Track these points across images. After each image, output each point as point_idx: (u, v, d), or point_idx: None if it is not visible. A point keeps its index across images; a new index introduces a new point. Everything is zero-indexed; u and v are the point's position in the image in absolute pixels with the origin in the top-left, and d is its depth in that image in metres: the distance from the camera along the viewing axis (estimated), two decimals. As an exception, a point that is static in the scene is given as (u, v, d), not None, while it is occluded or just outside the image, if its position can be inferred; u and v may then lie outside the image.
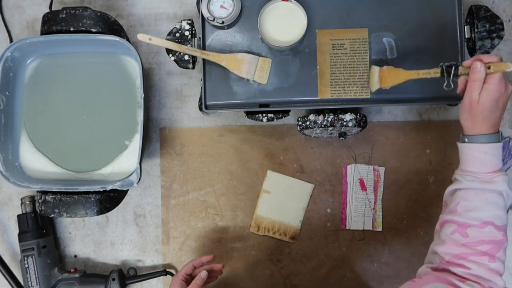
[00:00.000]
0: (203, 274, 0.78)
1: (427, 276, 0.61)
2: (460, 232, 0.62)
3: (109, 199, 0.85)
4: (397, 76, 0.72)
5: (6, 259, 0.92)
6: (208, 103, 0.82)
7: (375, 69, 0.75)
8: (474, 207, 0.62)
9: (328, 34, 0.80)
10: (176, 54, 0.81)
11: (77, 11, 0.83)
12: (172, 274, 0.92)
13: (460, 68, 0.66)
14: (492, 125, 0.64)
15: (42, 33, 0.85)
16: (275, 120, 0.84)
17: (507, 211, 0.90)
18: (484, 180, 0.63)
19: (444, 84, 0.67)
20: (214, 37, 0.82)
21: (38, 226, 0.89)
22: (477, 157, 0.63)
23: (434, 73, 0.68)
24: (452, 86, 0.67)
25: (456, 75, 0.66)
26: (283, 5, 0.79)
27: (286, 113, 0.84)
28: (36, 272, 0.87)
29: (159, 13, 0.96)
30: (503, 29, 0.78)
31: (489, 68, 0.62)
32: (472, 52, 0.81)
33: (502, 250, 0.61)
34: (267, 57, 0.80)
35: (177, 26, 0.81)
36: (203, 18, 0.80)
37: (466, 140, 0.65)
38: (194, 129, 0.94)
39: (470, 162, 0.64)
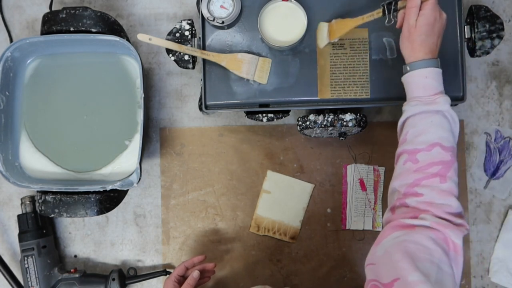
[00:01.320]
0: (195, 274, 0.78)
1: (383, 231, 0.61)
2: (411, 159, 0.63)
3: (109, 199, 0.85)
4: (344, 26, 0.75)
5: (6, 259, 0.92)
6: (208, 103, 0.82)
7: (324, 24, 0.77)
8: (420, 131, 0.63)
9: (328, 34, 0.80)
10: (176, 54, 0.81)
11: (77, 11, 0.83)
12: (172, 274, 0.92)
13: (399, 2, 0.69)
14: (430, 50, 0.66)
15: (42, 33, 0.85)
16: (275, 120, 0.84)
17: (507, 211, 0.91)
18: (426, 101, 0.64)
19: (386, 21, 0.70)
20: (214, 37, 0.82)
21: (38, 226, 0.89)
22: (419, 83, 0.66)
23: (377, 13, 0.71)
24: (393, 21, 0.70)
25: (396, 10, 0.69)
26: (283, 5, 0.79)
27: (286, 113, 0.84)
28: (36, 272, 0.87)
29: (159, 13, 0.96)
30: (503, 29, 0.78)
31: None
32: (472, 52, 0.81)
33: (453, 170, 0.62)
34: (267, 57, 0.80)
35: (177, 26, 0.81)
36: (203, 18, 0.80)
37: (408, 68, 0.67)
38: (194, 129, 0.94)
39: (413, 89, 0.67)
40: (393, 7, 0.69)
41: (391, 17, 0.70)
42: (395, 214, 0.62)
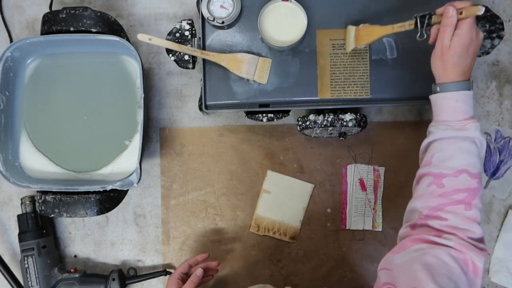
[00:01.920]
0: (198, 271, 0.78)
1: (404, 243, 0.61)
2: (436, 183, 0.62)
3: (109, 199, 0.85)
4: (372, 32, 0.72)
5: (6, 259, 0.92)
6: (208, 103, 0.82)
7: (351, 28, 0.75)
8: (448, 156, 0.62)
9: (328, 34, 0.80)
10: (176, 54, 0.81)
11: (77, 11, 0.83)
12: (172, 274, 0.92)
13: (433, 16, 0.65)
14: (462, 72, 0.64)
15: (42, 33, 0.85)
16: (275, 120, 0.84)
17: (507, 211, 0.91)
18: (456, 127, 0.63)
19: (417, 35, 0.67)
20: (214, 37, 0.82)
21: (38, 226, 0.89)
22: (449, 106, 0.64)
23: (408, 25, 0.68)
24: (425, 36, 0.67)
25: (430, 25, 0.66)
26: (283, 5, 0.79)
27: (286, 113, 0.84)
28: (36, 272, 0.87)
29: (159, 13, 0.96)
30: (503, 29, 0.78)
31: (461, 13, 0.62)
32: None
33: (478, 197, 0.61)
34: (267, 57, 0.80)
35: (177, 26, 0.81)
36: (203, 18, 0.80)
37: (438, 89, 0.65)
38: (194, 129, 0.94)
39: (442, 112, 0.65)
40: (426, 21, 0.66)
41: (424, 31, 0.66)
42: (415, 230, 0.62)
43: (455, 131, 0.62)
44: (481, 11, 0.61)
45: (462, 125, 0.62)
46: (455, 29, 0.63)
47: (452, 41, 0.63)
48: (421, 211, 0.63)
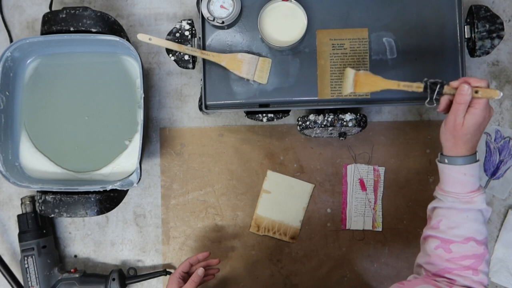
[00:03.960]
0: (199, 271, 0.78)
1: (415, 280, 0.64)
2: (444, 248, 0.64)
3: (109, 199, 0.85)
4: (373, 83, 0.69)
5: (6, 259, 0.92)
6: (208, 103, 0.82)
7: (350, 72, 0.70)
8: (455, 225, 0.64)
9: (328, 34, 0.80)
10: (176, 54, 0.81)
11: (77, 11, 0.83)
12: (172, 274, 0.92)
13: (445, 87, 0.64)
14: (471, 147, 0.65)
15: (42, 33, 0.85)
16: (275, 120, 0.84)
17: (507, 211, 0.91)
18: (464, 200, 0.64)
19: (427, 101, 0.66)
20: (214, 37, 0.82)
21: (38, 226, 0.89)
22: (456, 179, 0.65)
23: (416, 87, 0.66)
24: (435, 104, 0.66)
25: (441, 94, 0.65)
26: (283, 5, 0.79)
27: (286, 113, 0.84)
28: (36, 272, 0.87)
29: (159, 13, 0.96)
30: (503, 29, 0.78)
31: (476, 92, 0.61)
32: (472, 52, 0.81)
33: (484, 262, 0.64)
34: (267, 57, 0.80)
35: (177, 26, 0.81)
36: (203, 18, 0.80)
37: (446, 161, 0.66)
38: (194, 129, 0.94)
39: (450, 183, 0.66)
40: (437, 89, 0.64)
41: (433, 99, 0.65)
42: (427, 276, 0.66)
43: (463, 204, 0.64)
44: (499, 95, 0.60)
45: (470, 198, 0.64)
46: (469, 106, 0.62)
47: (466, 119, 0.62)
48: (429, 269, 0.65)
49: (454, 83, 0.64)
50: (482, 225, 0.65)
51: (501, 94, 0.61)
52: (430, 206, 0.69)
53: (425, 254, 0.67)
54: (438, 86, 0.64)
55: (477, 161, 0.65)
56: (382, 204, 0.92)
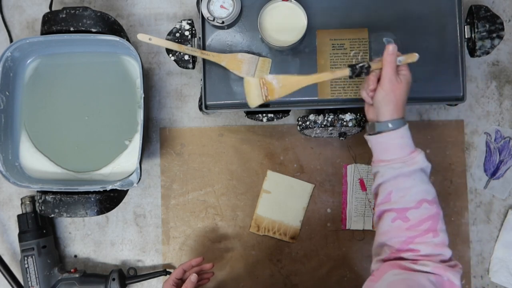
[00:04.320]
0: (193, 277, 0.77)
1: (381, 269, 0.63)
2: (401, 218, 0.64)
3: (109, 199, 0.85)
4: (294, 83, 0.67)
5: (6, 259, 0.92)
6: (208, 103, 0.82)
7: (252, 81, 0.63)
8: (405, 191, 0.64)
9: (328, 34, 0.80)
10: (176, 54, 0.81)
11: (77, 11, 0.83)
12: (172, 274, 0.92)
13: (373, 64, 0.67)
14: (404, 110, 0.67)
15: (42, 33, 0.85)
16: (275, 120, 0.84)
17: (507, 211, 0.91)
18: (409, 162, 0.65)
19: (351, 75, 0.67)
20: (214, 37, 0.82)
21: (38, 226, 0.89)
22: (397, 144, 0.66)
23: (341, 73, 0.68)
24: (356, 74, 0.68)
25: (367, 71, 0.67)
26: (283, 5, 0.79)
27: (286, 113, 0.84)
28: (36, 272, 0.87)
29: (159, 13, 0.96)
30: (503, 29, 0.78)
31: (399, 61, 0.66)
32: (472, 52, 0.81)
33: (441, 221, 0.64)
34: (267, 57, 0.80)
35: (177, 26, 0.81)
36: (203, 18, 0.80)
37: (390, 125, 0.65)
38: (194, 129, 0.94)
39: (391, 150, 0.66)
40: (365, 69, 0.67)
41: (354, 76, 0.68)
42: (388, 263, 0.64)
43: (408, 166, 0.65)
44: (416, 57, 0.66)
45: (411, 159, 0.65)
46: (398, 71, 0.66)
47: (401, 79, 0.66)
48: (392, 245, 0.65)
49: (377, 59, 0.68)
50: (428, 184, 0.65)
51: (418, 56, 0.66)
52: (374, 185, 0.69)
53: (384, 231, 0.66)
54: (365, 65, 0.67)
55: (406, 123, 0.67)
56: (382, 204, 0.92)
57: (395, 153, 0.66)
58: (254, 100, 0.69)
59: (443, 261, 0.62)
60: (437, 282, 0.59)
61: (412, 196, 0.64)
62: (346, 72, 0.67)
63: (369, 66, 0.67)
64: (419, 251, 0.62)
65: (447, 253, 0.63)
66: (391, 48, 0.65)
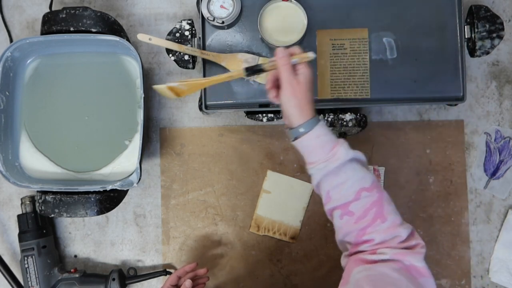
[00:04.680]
0: (187, 283, 0.77)
1: (348, 266, 0.61)
2: (346, 213, 0.62)
3: (109, 199, 0.85)
4: (197, 85, 0.71)
5: (6, 259, 0.92)
6: (208, 103, 0.82)
7: (162, 87, 0.70)
8: (340, 186, 0.62)
9: (328, 34, 0.80)
10: (176, 54, 0.81)
11: (77, 11, 0.83)
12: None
13: (266, 65, 0.66)
14: (313, 108, 0.64)
15: (42, 33, 0.85)
16: (275, 120, 0.84)
17: (507, 211, 0.91)
18: (331, 160, 0.62)
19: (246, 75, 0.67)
20: (214, 37, 0.82)
21: (38, 226, 0.89)
22: (315, 144, 0.63)
23: (238, 75, 0.68)
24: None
25: (261, 70, 0.66)
26: (283, 5, 0.79)
27: (286, 113, 0.84)
28: (36, 272, 0.87)
29: (159, 13, 0.96)
30: (503, 29, 0.78)
31: (294, 59, 0.64)
32: (472, 52, 0.81)
33: (386, 204, 0.62)
34: (267, 57, 0.80)
35: (177, 26, 0.81)
36: (203, 18, 0.80)
37: (302, 130, 0.64)
38: (194, 129, 0.94)
39: (312, 153, 0.64)
40: (258, 69, 0.67)
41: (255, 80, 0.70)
42: (352, 256, 0.63)
43: (332, 163, 0.62)
44: (312, 56, 0.64)
45: (333, 155, 0.62)
46: (295, 72, 0.64)
47: (300, 78, 0.64)
48: (349, 241, 0.63)
49: (268, 60, 0.67)
50: (361, 171, 0.63)
51: (314, 55, 0.64)
52: (313, 187, 0.67)
53: (338, 228, 0.65)
54: (259, 67, 0.66)
55: (319, 120, 0.64)
56: (382, 204, 0.91)
57: (317, 153, 0.63)
58: (170, 96, 0.71)
59: (402, 242, 0.60)
60: (401, 269, 0.57)
61: (349, 189, 0.62)
62: (242, 73, 0.67)
63: (261, 69, 0.66)
64: (373, 240, 0.60)
65: (403, 232, 0.60)
66: (279, 52, 0.64)
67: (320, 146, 0.63)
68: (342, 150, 0.62)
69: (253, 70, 0.66)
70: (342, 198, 0.63)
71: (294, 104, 0.64)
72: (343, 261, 0.65)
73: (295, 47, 0.66)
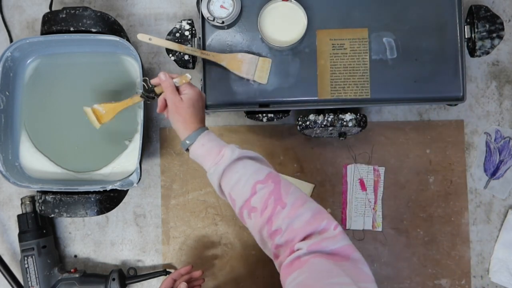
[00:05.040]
0: (182, 285, 0.77)
1: (281, 280, 0.59)
2: (250, 210, 0.63)
3: (109, 199, 0.85)
4: (112, 109, 0.78)
5: (6, 259, 0.92)
6: (208, 103, 0.82)
7: (88, 110, 0.77)
8: (236, 186, 0.64)
9: (328, 34, 0.80)
10: (176, 54, 0.81)
11: (77, 11, 0.83)
12: (172, 274, 0.92)
13: (156, 88, 0.73)
14: (199, 120, 0.70)
15: (42, 33, 0.85)
16: (275, 120, 0.84)
17: (507, 211, 0.91)
18: (219, 163, 0.66)
19: (142, 96, 0.74)
20: (214, 37, 0.82)
21: (38, 226, 0.89)
22: (202, 153, 0.68)
23: (137, 99, 0.75)
24: (155, 99, 0.75)
25: (154, 93, 0.74)
26: (283, 5, 0.79)
27: (286, 113, 0.84)
28: (36, 272, 0.87)
29: (159, 13, 0.96)
30: (503, 29, 0.78)
31: (176, 82, 0.71)
32: (472, 52, 0.81)
33: (282, 190, 0.62)
34: (267, 57, 0.80)
35: (177, 26, 0.81)
36: (203, 18, 0.81)
37: (188, 142, 0.69)
38: (194, 129, 0.94)
39: (204, 161, 0.68)
40: (151, 94, 0.74)
41: (148, 100, 0.75)
42: (279, 258, 0.61)
43: (220, 165, 0.65)
44: (188, 78, 0.72)
45: (220, 158, 0.66)
46: (180, 93, 0.71)
47: (183, 98, 0.70)
48: (263, 237, 0.63)
49: (153, 80, 0.73)
50: (253, 166, 0.65)
51: (190, 76, 0.72)
52: (218, 193, 0.70)
53: (252, 229, 0.65)
54: (151, 92, 0.74)
55: (206, 128, 0.70)
56: (382, 204, 0.92)
57: (207, 160, 0.67)
58: (95, 124, 0.78)
59: (306, 226, 0.58)
60: (326, 259, 0.55)
61: (245, 186, 0.63)
62: (139, 98, 0.75)
63: (154, 92, 0.73)
64: (281, 230, 0.59)
65: (305, 212, 0.59)
66: (161, 76, 0.71)
67: (207, 153, 0.67)
68: (228, 151, 0.66)
69: (148, 96, 0.74)
70: (242, 196, 0.64)
71: (178, 120, 0.70)
72: (276, 264, 0.63)
73: (165, 73, 0.72)
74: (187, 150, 0.70)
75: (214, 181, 0.67)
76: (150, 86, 0.73)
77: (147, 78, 0.74)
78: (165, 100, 0.72)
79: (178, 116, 0.69)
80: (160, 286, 0.81)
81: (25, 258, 0.87)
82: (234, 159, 0.65)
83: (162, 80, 0.71)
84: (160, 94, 0.73)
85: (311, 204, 0.61)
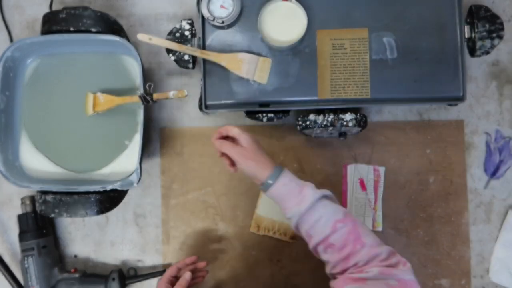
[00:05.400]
0: (187, 275, 0.78)
1: (336, 286, 0.64)
2: (328, 246, 0.67)
3: (109, 199, 0.85)
4: (109, 101, 0.84)
5: (6, 259, 0.92)
6: (208, 103, 0.82)
7: (89, 95, 0.84)
8: (317, 224, 0.67)
9: (328, 34, 0.80)
10: (176, 54, 0.81)
11: (77, 11, 0.83)
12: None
13: (154, 94, 0.78)
14: (270, 161, 0.71)
15: (42, 33, 0.85)
16: (275, 120, 0.84)
17: (507, 211, 0.91)
18: (301, 204, 0.68)
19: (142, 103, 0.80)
20: (214, 37, 0.82)
21: (38, 226, 0.89)
22: (284, 194, 0.69)
23: (135, 99, 0.80)
24: (151, 102, 0.81)
25: (151, 97, 0.79)
26: (283, 5, 0.79)
27: (286, 113, 0.84)
28: (36, 272, 0.87)
29: (159, 13, 0.96)
30: (503, 29, 0.78)
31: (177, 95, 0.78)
32: (472, 52, 0.81)
33: (360, 229, 0.66)
34: (267, 57, 0.80)
35: (177, 26, 0.81)
36: (203, 18, 0.81)
37: (270, 182, 0.69)
38: (194, 129, 0.94)
39: (285, 201, 0.70)
40: (149, 98, 0.78)
41: (145, 102, 0.80)
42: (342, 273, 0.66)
43: (303, 205, 0.67)
44: (186, 94, 0.78)
45: (302, 198, 0.68)
46: (235, 141, 0.72)
47: (244, 144, 0.71)
48: (338, 272, 0.66)
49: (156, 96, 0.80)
50: (332, 205, 0.68)
51: (186, 93, 0.78)
52: (293, 229, 0.72)
53: (327, 263, 0.69)
54: (149, 95, 0.79)
55: (282, 169, 0.70)
56: (382, 204, 0.92)
57: (288, 199, 0.69)
58: (88, 109, 0.85)
59: (383, 260, 0.63)
60: (393, 285, 0.59)
61: (325, 225, 0.67)
62: (137, 99, 0.81)
63: (151, 100, 0.79)
64: (358, 264, 0.64)
65: (383, 252, 0.64)
66: (212, 139, 0.74)
67: (289, 193, 0.69)
68: (310, 192, 0.68)
69: (145, 98, 0.78)
70: (321, 234, 0.67)
71: (252, 166, 0.70)
72: (332, 283, 0.67)
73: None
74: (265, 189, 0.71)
75: (294, 219, 0.69)
76: (150, 90, 0.74)
77: (151, 84, 0.75)
78: (229, 158, 0.72)
79: (250, 161, 0.70)
80: (164, 274, 0.81)
81: (25, 258, 0.87)
82: (316, 200, 0.68)
83: (219, 146, 0.72)
84: (157, 100, 0.75)
85: (385, 246, 0.66)
